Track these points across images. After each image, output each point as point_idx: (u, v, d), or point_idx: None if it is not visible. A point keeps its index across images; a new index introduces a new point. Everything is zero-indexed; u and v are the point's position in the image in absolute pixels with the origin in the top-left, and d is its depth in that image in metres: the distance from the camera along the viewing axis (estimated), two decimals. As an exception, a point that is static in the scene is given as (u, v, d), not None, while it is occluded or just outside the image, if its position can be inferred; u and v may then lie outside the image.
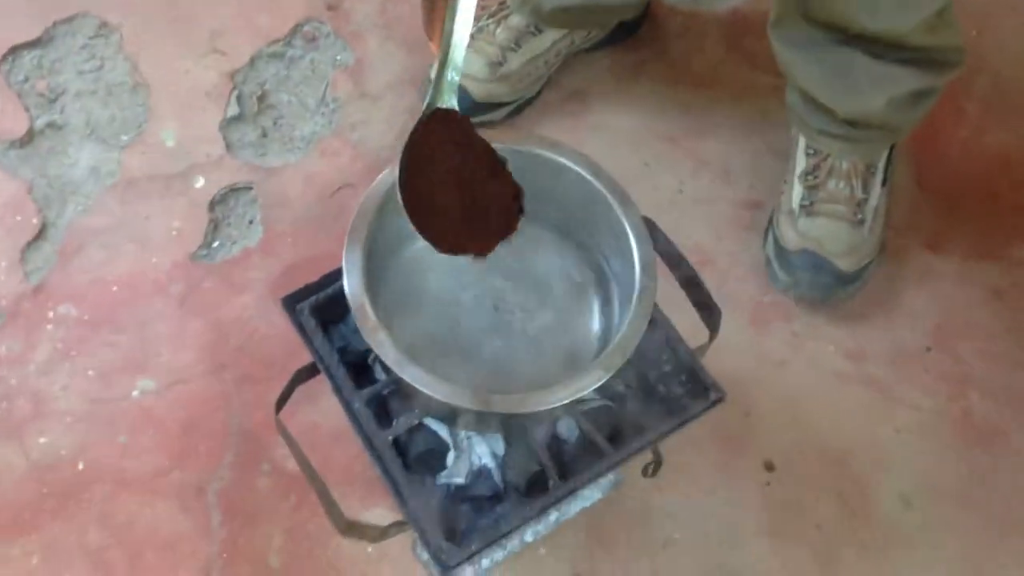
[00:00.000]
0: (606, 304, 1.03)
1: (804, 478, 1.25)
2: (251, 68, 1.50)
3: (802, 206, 1.31)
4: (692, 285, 1.05)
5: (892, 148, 1.34)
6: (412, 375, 0.88)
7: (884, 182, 1.33)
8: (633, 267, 0.95)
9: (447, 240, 0.84)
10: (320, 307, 1.02)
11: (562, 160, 0.98)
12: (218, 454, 1.23)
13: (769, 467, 1.26)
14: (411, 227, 0.82)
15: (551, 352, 1.00)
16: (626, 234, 0.96)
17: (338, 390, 1.00)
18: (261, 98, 1.48)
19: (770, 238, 1.35)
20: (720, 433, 1.26)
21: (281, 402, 1.01)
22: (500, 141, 0.95)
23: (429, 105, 0.84)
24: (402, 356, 0.89)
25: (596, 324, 1.02)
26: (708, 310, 1.04)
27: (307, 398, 1.22)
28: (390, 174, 0.94)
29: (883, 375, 1.31)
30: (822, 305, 1.34)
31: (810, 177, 1.31)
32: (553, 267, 1.04)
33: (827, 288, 1.29)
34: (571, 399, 0.89)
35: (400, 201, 0.83)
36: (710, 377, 1.03)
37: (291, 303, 1.03)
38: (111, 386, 1.27)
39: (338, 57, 1.52)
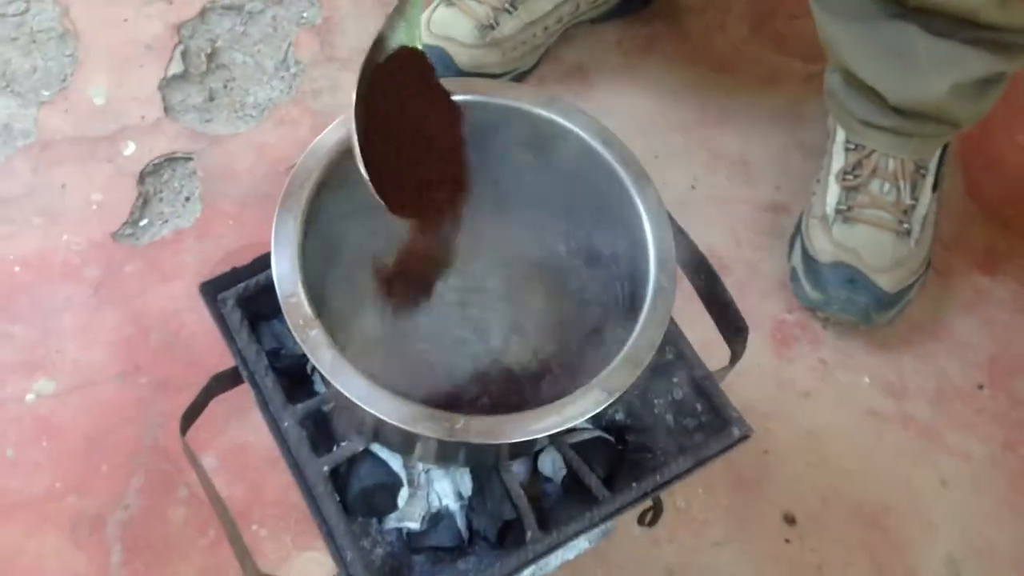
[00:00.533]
0: (607, 305, 0.82)
1: (831, 535, 1.06)
2: (201, 21, 1.30)
3: (838, 211, 1.11)
4: (714, 293, 0.84)
5: (945, 147, 1.14)
6: (354, 389, 0.67)
7: (935, 186, 1.13)
8: (646, 261, 0.75)
9: (408, 208, 0.71)
10: (249, 298, 0.83)
11: (561, 121, 0.78)
12: (125, 476, 1.03)
13: (790, 520, 1.06)
14: (367, 192, 0.67)
15: (536, 363, 0.79)
16: (639, 219, 0.76)
17: (264, 404, 0.79)
18: (211, 56, 1.28)
19: (798, 247, 1.15)
20: (732, 473, 1.07)
21: (189, 417, 0.80)
22: (482, 91, 0.75)
23: (386, 38, 0.66)
24: (342, 362, 0.68)
25: (593, 329, 0.81)
26: (733, 327, 0.83)
27: (237, 411, 1.04)
28: (337, 128, 0.74)
29: (927, 415, 1.13)
30: (856, 329, 1.13)
31: (849, 177, 1.11)
32: (543, 255, 0.84)
33: (864, 309, 1.09)
34: (561, 428, 0.68)
35: (359, 161, 0.67)
36: (734, 409, 0.83)
37: (212, 291, 0.83)
38: (1, 386, 1.07)
39: (304, 14, 1.33)
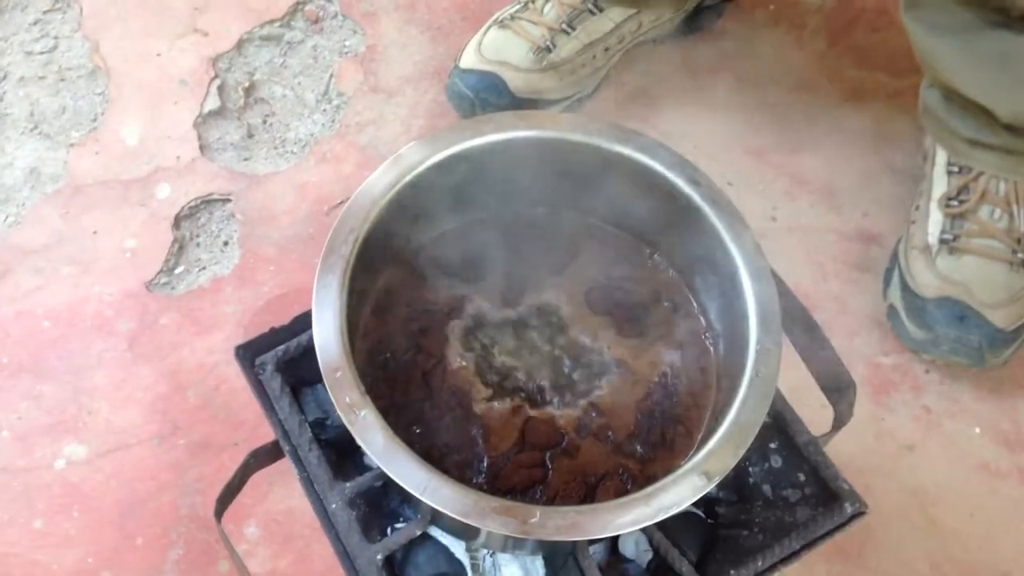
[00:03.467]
0: (694, 371, 0.71)
1: (945, 607, 0.93)
2: (238, 53, 1.23)
3: (943, 240, 1.00)
4: (814, 346, 0.74)
5: (1058, 169, 1.02)
6: (411, 478, 0.57)
7: (1052, 212, 1.01)
8: (744, 318, 0.64)
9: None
10: (290, 361, 0.74)
11: (642, 159, 0.67)
12: (162, 548, 0.95)
13: (898, 591, 0.93)
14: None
15: (614, 433, 0.69)
16: (735, 269, 0.65)
17: (308, 483, 0.70)
18: (249, 90, 1.20)
19: (895, 281, 1.03)
20: (829, 539, 0.94)
21: (225, 499, 0.70)
22: (552, 127, 0.65)
23: None
24: (396, 447, 0.58)
25: (688, 405, 0.70)
26: (837, 385, 0.73)
27: (281, 474, 0.94)
28: (387, 170, 0.65)
29: None
30: (964, 372, 1.01)
31: (954, 203, 1.00)
32: (615, 305, 0.73)
33: (977, 349, 0.97)
34: (652, 522, 0.58)
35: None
36: (844, 481, 0.72)
37: (249, 355, 0.74)
38: (29, 451, 0.99)
39: (346, 43, 1.25)
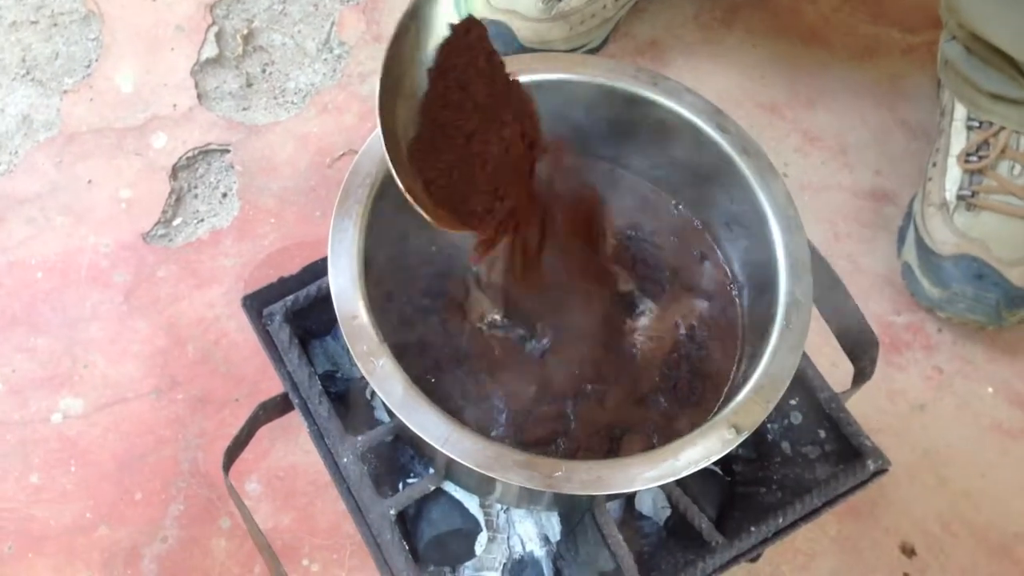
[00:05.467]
0: (721, 322, 0.69)
1: (956, 567, 0.94)
2: (236, -1, 1.17)
3: (961, 197, 0.98)
4: (835, 302, 0.72)
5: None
6: (431, 429, 0.55)
7: (1071, 169, 0.99)
8: (774, 269, 0.62)
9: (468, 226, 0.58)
10: (299, 312, 0.71)
11: (668, 103, 0.65)
12: (162, 504, 0.93)
13: (908, 551, 0.93)
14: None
15: (639, 382, 0.67)
16: (764, 219, 0.63)
17: (319, 437, 0.68)
18: (247, 37, 1.16)
19: (910, 239, 1.01)
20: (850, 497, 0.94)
21: (232, 452, 0.68)
22: (573, 69, 0.63)
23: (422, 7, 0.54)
24: (416, 396, 0.56)
25: (715, 358, 0.68)
26: (859, 341, 0.71)
27: (284, 430, 0.93)
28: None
29: None
30: (977, 332, 1.00)
31: (973, 158, 0.98)
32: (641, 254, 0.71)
33: (994, 307, 0.96)
34: (680, 476, 0.56)
35: (391, 165, 0.52)
36: (867, 437, 0.71)
37: (256, 305, 0.71)
38: (24, 405, 0.97)
39: (348, -11, 1.20)
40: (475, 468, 0.55)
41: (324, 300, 0.68)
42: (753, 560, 0.82)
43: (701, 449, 0.57)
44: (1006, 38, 0.92)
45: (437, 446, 0.55)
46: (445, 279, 0.66)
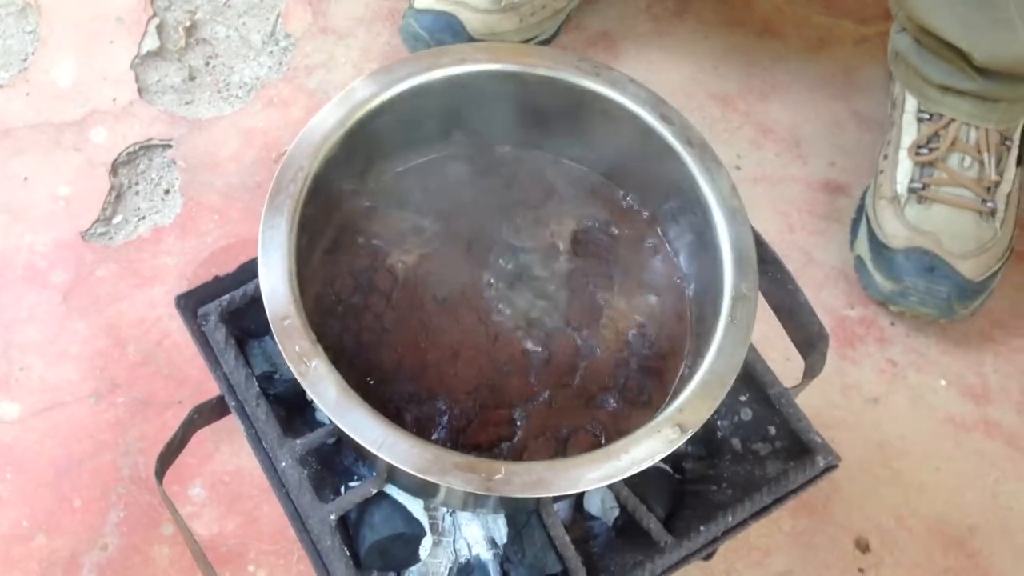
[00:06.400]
0: (671, 317, 0.68)
1: (910, 561, 0.93)
2: (178, -10, 1.15)
3: (912, 190, 0.97)
4: (785, 295, 0.71)
5: (1028, 117, 1.01)
6: (366, 433, 0.53)
7: (1020, 160, 0.99)
8: (719, 262, 0.61)
9: None
10: (235, 312, 0.69)
11: (611, 95, 0.63)
12: (101, 511, 0.90)
13: (863, 546, 0.93)
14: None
15: (578, 382, 0.65)
16: (707, 211, 0.62)
17: (256, 440, 0.66)
18: (190, 30, 1.14)
19: (863, 232, 1.01)
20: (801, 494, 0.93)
21: (166, 458, 0.66)
22: (515, 60, 0.61)
23: None
24: (350, 399, 0.54)
25: (664, 354, 0.67)
26: (809, 335, 0.70)
27: (228, 432, 0.90)
28: (336, 108, 0.60)
29: (1013, 421, 1.00)
30: (929, 325, 1.00)
31: (923, 151, 0.97)
32: (582, 249, 0.69)
33: (946, 300, 0.95)
34: (624, 476, 0.55)
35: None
36: (817, 433, 0.70)
37: (191, 305, 0.69)
38: (-43, 410, 0.92)
39: (294, -19, 1.17)
40: (412, 472, 0.53)
41: (261, 300, 0.65)
42: (707, 558, 0.81)
43: (645, 448, 0.55)
44: (954, 30, 0.91)
45: (373, 450, 0.53)
46: (379, 275, 0.64)
